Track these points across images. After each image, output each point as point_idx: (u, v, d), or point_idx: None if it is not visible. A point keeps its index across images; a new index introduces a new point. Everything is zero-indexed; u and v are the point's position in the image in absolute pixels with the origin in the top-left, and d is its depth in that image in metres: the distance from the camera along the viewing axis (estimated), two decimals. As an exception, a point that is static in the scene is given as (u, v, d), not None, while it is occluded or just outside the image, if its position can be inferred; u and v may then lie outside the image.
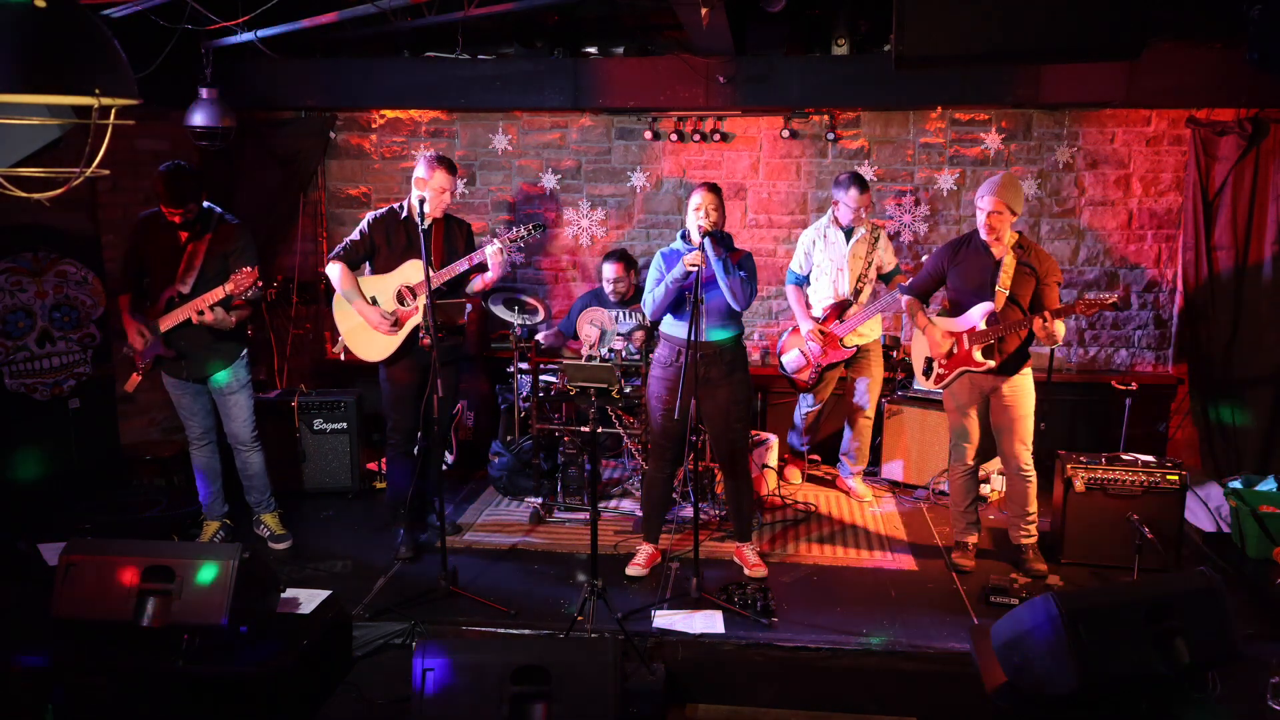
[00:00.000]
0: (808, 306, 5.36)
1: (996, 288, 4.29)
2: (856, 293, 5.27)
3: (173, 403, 4.64)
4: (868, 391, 5.42)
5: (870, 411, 5.48)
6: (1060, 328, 4.20)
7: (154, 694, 3.37)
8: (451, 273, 4.45)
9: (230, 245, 4.44)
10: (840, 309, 5.27)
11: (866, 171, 6.08)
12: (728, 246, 4.19)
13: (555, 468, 5.31)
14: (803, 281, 5.38)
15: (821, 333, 5.23)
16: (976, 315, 4.35)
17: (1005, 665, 3.19)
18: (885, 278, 5.43)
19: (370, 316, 4.47)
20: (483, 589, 4.26)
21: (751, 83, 5.66)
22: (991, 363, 4.33)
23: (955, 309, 4.48)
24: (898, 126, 6.07)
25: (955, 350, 4.42)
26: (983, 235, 4.31)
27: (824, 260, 5.29)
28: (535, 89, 5.82)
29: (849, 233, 5.27)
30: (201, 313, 4.29)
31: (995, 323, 4.29)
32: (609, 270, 5.67)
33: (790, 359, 5.39)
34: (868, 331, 5.32)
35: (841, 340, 5.24)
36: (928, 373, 4.60)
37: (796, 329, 5.37)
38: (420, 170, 4.42)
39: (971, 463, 4.53)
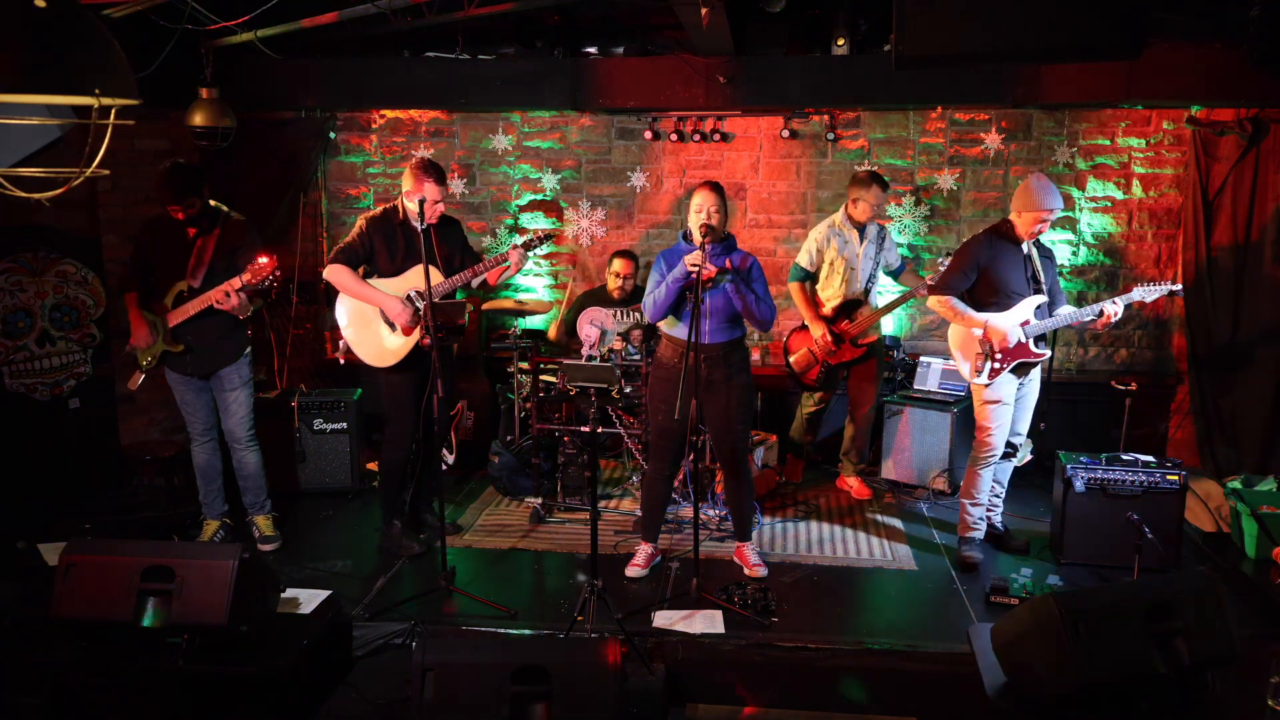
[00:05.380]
0: (814, 305, 5.34)
1: (1041, 281, 4.44)
2: (866, 292, 5.31)
3: (175, 400, 4.65)
4: (870, 386, 5.44)
5: (870, 407, 5.49)
6: None
7: (154, 694, 3.37)
8: (462, 280, 4.42)
9: (238, 241, 4.46)
10: (850, 309, 5.28)
11: (866, 171, 6.09)
12: (730, 248, 4.18)
13: (555, 468, 5.31)
14: (807, 278, 5.35)
15: (836, 335, 5.24)
16: (1027, 308, 4.40)
17: (1005, 665, 3.18)
18: (893, 273, 5.48)
19: (390, 305, 4.35)
20: (483, 589, 4.26)
21: (751, 83, 5.66)
22: (1049, 351, 4.51)
23: (996, 304, 4.42)
24: (898, 126, 6.07)
25: (1014, 345, 4.43)
26: (1029, 232, 4.38)
27: (836, 259, 5.27)
28: (535, 89, 5.82)
29: (862, 232, 5.28)
30: (228, 295, 4.29)
31: (1044, 315, 4.42)
32: (617, 264, 5.78)
33: (798, 359, 5.40)
34: (874, 330, 5.34)
35: (854, 340, 5.26)
36: (980, 370, 4.46)
37: (803, 328, 5.37)
38: (407, 183, 4.33)
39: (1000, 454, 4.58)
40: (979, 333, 4.44)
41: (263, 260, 4.25)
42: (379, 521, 5.04)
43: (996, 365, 4.43)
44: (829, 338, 5.22)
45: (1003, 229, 4.44)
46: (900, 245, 6.09)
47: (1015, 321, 4.40)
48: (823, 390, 5.48)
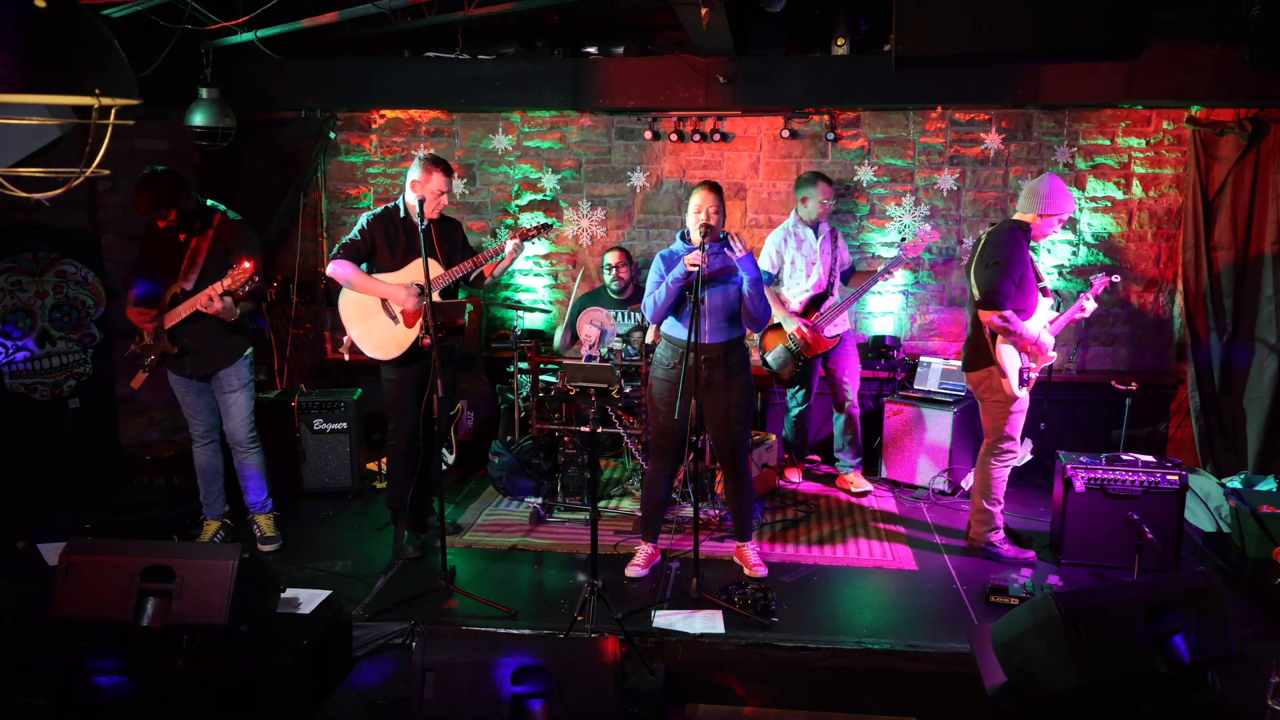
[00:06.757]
0: (784, 304, 5.47)
1: (1045, 282, 4.47)
2: (830, 285, 5.43)
3: (177, 400, 4.65)
4: (850, 381, 5.53)
5: (854, 400, 5.56)
6: None
7: (154, 694, 3.37)
8: (461, 271, 4.43)
9: (232, 242, 4.43)
10: (817, 302, 5.43)
11: (867, 171, 6.10)
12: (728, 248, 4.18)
13: (555, 468, 5.31)
14: (771, 280, 5.50)
15: (808, 327, 5.35)
16: (1045, 312, 4.43)
17: (1005, 665, 3.18)
18: (845, 275, 5.62)
19: (394, 293, 4.40)
20: (483, 589, 4.26)
21: (751, 83, 5.66)
22: (1056, 353, 4.54)
23: (1022, 311, 4.32)
24: (898, 126, 6.07)
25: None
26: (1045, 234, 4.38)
27: (797, 257, 5.45)
28: (535, 89, 5.82)
29: (816, 230, 5.46)
30: (211, 300, 4.28)
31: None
32: (610, 258, 5.87)
33: (774, 355, 5.46)
34: (841, 323, 5.47)
35: (824, 332, 5.38)
36: (1024, 382, 4.39)
37: (776, 326, 5.45)
38: (416, 173, 4.38)
39: None
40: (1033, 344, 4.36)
41: (245, 265, 4.23)
42: (379, 521, 5.04)
43: (1033, 375, 4.43)
44: (804, 330, 5.34)
45: (1024, 230, 4.33)
46: (894, 247, 6.10)
47: (1040, 328, 4.40)
48: (798, 384, 5.55)
